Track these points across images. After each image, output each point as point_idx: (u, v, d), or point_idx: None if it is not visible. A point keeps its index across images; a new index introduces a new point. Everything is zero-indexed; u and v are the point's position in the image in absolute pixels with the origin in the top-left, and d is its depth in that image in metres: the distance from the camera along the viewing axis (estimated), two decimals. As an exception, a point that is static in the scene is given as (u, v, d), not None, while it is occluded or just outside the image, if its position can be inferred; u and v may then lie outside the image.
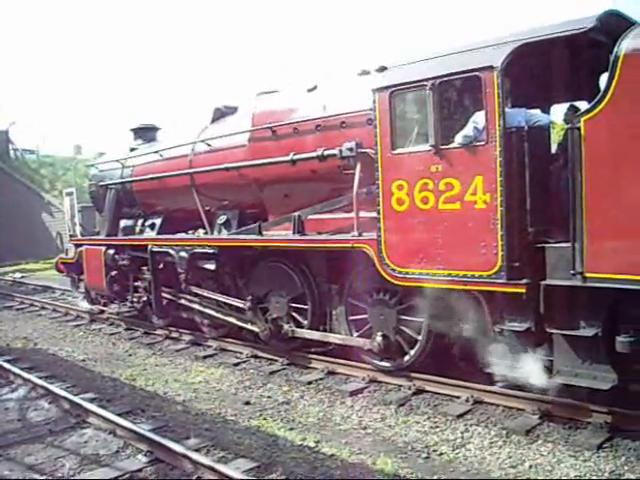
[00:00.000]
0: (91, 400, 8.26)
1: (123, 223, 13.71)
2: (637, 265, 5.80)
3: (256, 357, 10.52)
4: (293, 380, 9.25)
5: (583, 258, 6.11)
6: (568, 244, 6.29)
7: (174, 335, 12.42)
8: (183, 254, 11.13)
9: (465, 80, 7.12)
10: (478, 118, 6.93)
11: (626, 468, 5.94)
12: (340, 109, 8.75)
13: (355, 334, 9.07)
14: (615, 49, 5.84)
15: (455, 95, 7.42)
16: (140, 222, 13.34)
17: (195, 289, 11.47)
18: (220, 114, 11.97)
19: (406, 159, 7.44)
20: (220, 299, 11.02)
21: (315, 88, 9.71)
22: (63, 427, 7.52)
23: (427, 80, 7.19)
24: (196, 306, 11.54)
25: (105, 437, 7.13)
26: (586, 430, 6.76)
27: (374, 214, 7.85)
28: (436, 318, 7.93)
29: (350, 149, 8.27)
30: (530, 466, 6.10)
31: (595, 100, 5.99)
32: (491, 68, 6.66)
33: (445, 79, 7.14)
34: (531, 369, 6.99)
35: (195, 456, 6.13)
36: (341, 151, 8.36)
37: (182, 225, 12.13)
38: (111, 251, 13.12)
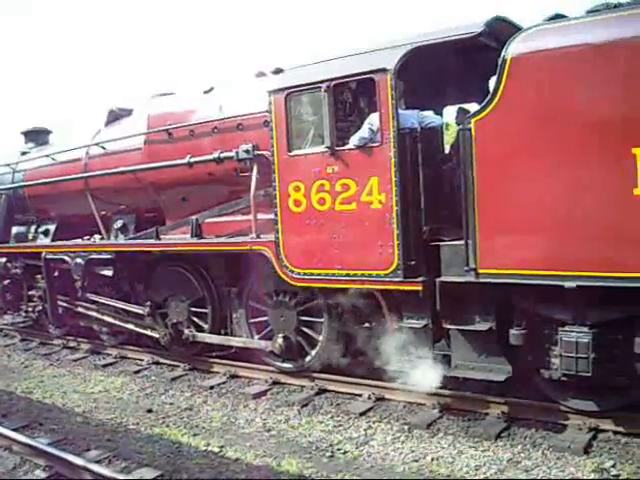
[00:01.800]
0: (-16, 416, 7.95)
1: (15, 230, 13.22)
2: (526, 260, 6.02)
3: (157, 363, 10.37)
4: (195, 385, 9.16)
5: (476, 255, 6.28)
6: (462, 242, 6.47)
7: (72, 344, 12.09)
8: (79, 261, 10.85)
9: (359, 82, 7.23)
10: (373, 120, 7.03)
11: (523, 455, 6.16)
12: (236, 111, 8.72)
13: (256, 337, 9.06)
14: (502, 53, 6.04)
15: (350, 97, 7.52)
16: (33, 228, 12.89)
17: (92, 296, 11.19)
18: (114, 116, 11.69)
19: (302, 161, 7.49)
20: (118, 305, 10.82)
21: (212, 90, 9.67)
22: (-46, 447, 7.19)
23: (322, 82, 7.25)
24: (94, 313, 11.27)
25: (0, 454, 6.85)
26: (484, 421, 6.97)
27: (272, 216, 7.86)
28: (336, 318, 8.03)
29: (247, 151, 8.26)
30: (432, 459, 6.24)
31: (484, 102, 6.18)
32: (384, 70, 6.77)
33: (340, 81, 7.22)
34: (430, 364, 7.15)
35: (96, 468, 5.96)
36: (238, 153, 8.33)
37: (78, 231, 11.76)
38: (2, 259, 12.71)
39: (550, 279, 5.92)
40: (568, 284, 5.81)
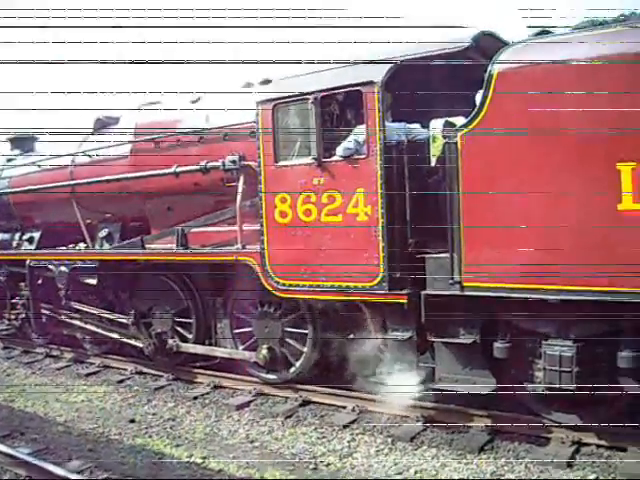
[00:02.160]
0: (-36, 426, 7.86)
1: (-1, 237, 13.16)
2: (510, 274, 6.04)
3: (141, 373, 10.30)
4: (179, 396, 9.11)
5: (461, 268, 6.30)
6: (447, 254, 6.48)
7: (55, 353, 11.98)
8: (63, 269, 10.78)
9: (347, 94, 7.25)
10: (359, 132, 7.05)
11: (506, 469, 6.16)
12: (223, 121, 8.70)
13: (241, 347, 9.03)
14: (489, 68, 6.08)
15: (337, 109, 7.54)
16: (17, 236, 12.78)
17: (76, 305, 11.12)
18: (101, 124, 11.63)
19: (289, 172, 7.48)
20: (102, 314, 10.75)
21: (199, 100, 9.64)
22: None
23: (310, 94, 7.25)
24: (77, 322, 11.20)
25: (-20, 464, 6.80)
26: (468, 434, 6.96)
27: (258, 227, 7.85)
28: (321, 329, 8.03)
29: (233, 161, 8.23)
30: (415, 472, 6.22)
31: (471, 116, 6.21)
32: (372, 83, 6.79)
33: (327, 93, 7.23)
34: (414, 377, 7.15)
35: (77, 479, 5.93)
36: (224, 163, 8.31)
37: (63, 239, 11.74)
38: (-14, 267, 12.56)
39: (534, 293, 5.95)
40: (552, 298, 5.85)
